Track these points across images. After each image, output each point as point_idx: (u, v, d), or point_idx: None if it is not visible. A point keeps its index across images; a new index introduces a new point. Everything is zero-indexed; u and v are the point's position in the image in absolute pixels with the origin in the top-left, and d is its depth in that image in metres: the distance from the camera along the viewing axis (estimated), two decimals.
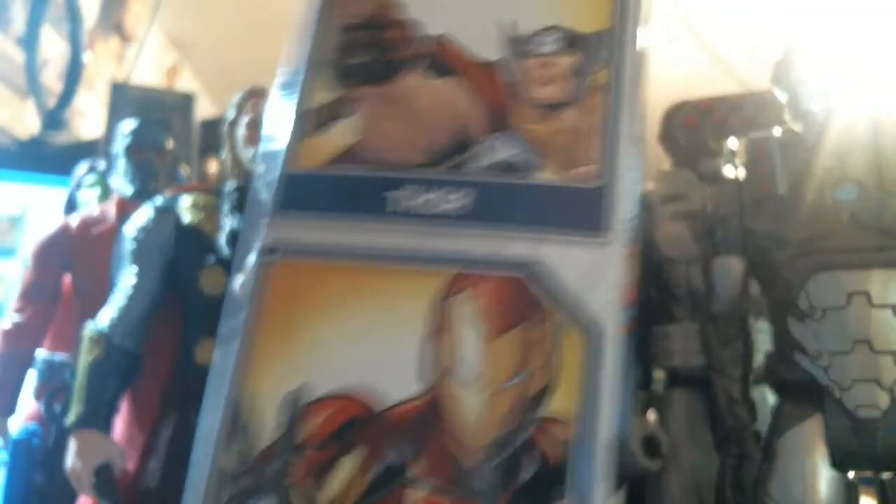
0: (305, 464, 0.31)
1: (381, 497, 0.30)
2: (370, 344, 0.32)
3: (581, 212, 0.28)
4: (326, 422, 0.31)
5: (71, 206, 2.41)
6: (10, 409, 2.01)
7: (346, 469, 0.30)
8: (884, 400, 1.27)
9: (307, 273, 0.31)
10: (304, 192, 0.30)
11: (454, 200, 0.29)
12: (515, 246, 0.27)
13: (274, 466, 0.31)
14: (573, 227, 0.27)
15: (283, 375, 0.32)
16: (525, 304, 0.30)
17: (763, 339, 1.54)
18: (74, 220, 2.14)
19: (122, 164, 2.10)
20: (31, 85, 3.51)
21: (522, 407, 0.30)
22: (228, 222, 1.54)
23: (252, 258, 0.30)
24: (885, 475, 1.30)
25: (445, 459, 0.29)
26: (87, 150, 2.81)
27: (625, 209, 0.28)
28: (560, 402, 0.31)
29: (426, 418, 0.30)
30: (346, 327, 0.33)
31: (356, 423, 0.31)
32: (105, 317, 1.54)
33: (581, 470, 0.29)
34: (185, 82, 4.75)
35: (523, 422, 0.30)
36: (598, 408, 0.30)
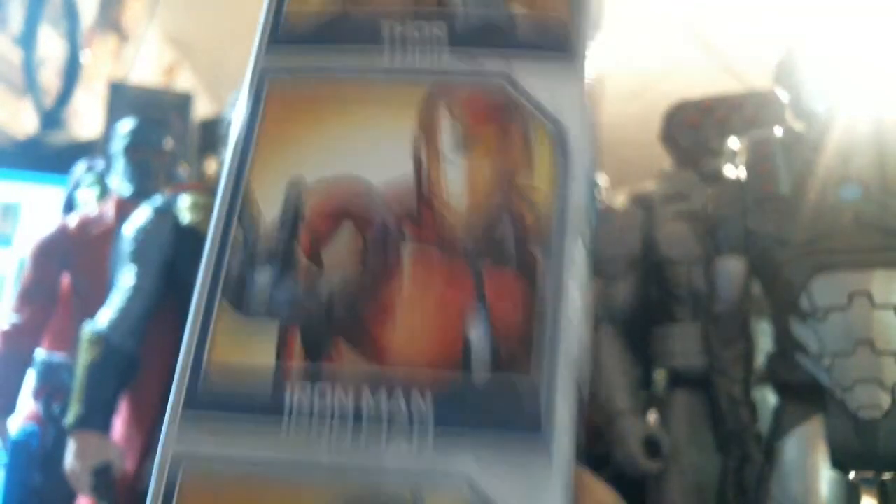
0: (308, 231, 0.31)
1: (379, 252, 0.30)
2: (364, 142, 0.34)
3: (550, 38, 0.29)
4: (327, 197, 0.32)
5: (69, 205, 2.40)
6: (10, 409, 2.00)
7: (345, 233, 0.31)
8: (885, 401, 1.27)
9: (301, 93, 0.32)
10: (295, 28, 0.31)
11: (432, 30, 0.30)
12: (491, 62, 0.29)
13: (279, 236, 0.31)
14: (543, 49, 0.29)
15: (283, 172, 0.33)
16: (501, 103, 0.32)
17: (764, 339, 1.54)
18: (73, 220, 2.14)
19: (120, 163, 2.09)
20: (29, 84, 3.50)
21: (502, 178, 0.32)
22: None
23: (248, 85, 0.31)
24: (886, 476, 1.30)
25: (434, 224, 0.30)
26: (86, 149, 2.80)
27: (587, 40, 0.30)
28: (537, 178, 0.32)
29: (416, 191, 0.31)
30: (341, 132, 0.34)
31: (354, 197, 0.32)
32: (104, 317, 1.53)
33: (556, 234, 0.30)
34: (184, 81, 4.74)
35: (503, 190, 0.31)
36: (568, 188, 0.31)
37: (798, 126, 1.50)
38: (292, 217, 0.33)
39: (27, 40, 3.50)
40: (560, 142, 0.30)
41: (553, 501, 0.26)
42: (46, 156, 3.11)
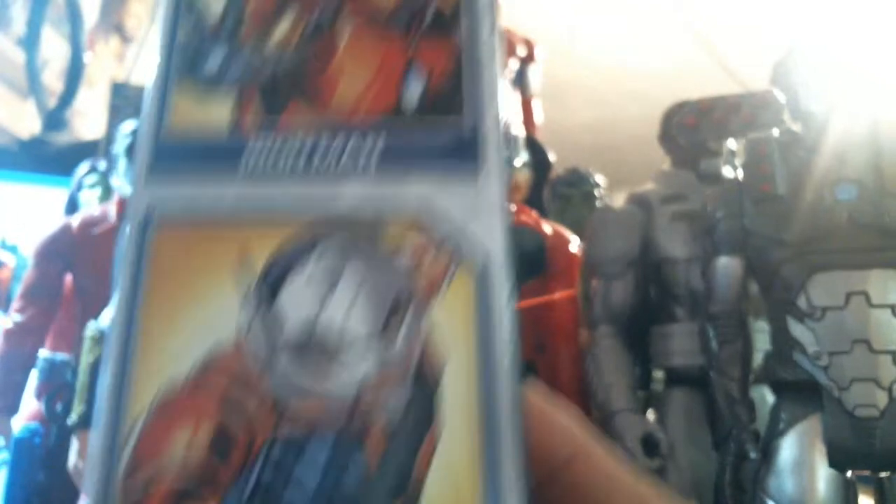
0: (255, 7, 0.33)
1: (319, 34, 0.32)
2: None
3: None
4: None
5: (72, 206, 2.42)
6: (13, 409, 2.01)
7: (290, 14, 0.33)
8: (882, 399, 1.28)
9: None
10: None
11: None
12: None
13: (225, 25, 0.32)
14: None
15: None
16: None
17: (762, 338, 1.54)
18: (75, 221, 2.15)
19: (122, 164, 2.10)
20: (32, 85, 3.52)
21: None
22: None
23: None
24: (883, 474, 1.31)
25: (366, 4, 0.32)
26: (88, 150, 2.82)
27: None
28: None
29: None
30: None
31: None
32: (107, 317, 1.55)
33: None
34: None
35: None
36: None
37: (795, 127, 1.51)
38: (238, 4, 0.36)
39: (30, 42, 3.52)
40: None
41: (495, 213, 0.30)
42: (49, 156, 3.13)
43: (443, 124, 0.31)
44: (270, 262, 0.29)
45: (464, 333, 0.28)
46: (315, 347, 0.27)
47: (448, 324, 0.28)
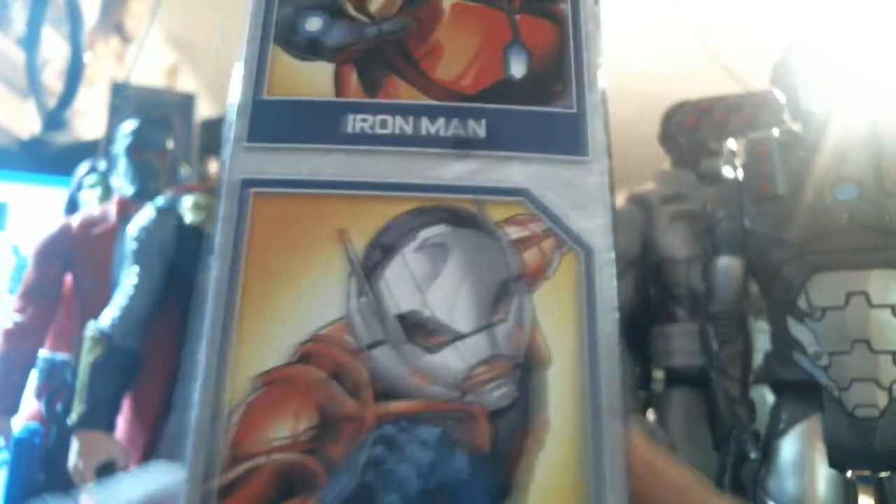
0: None
1: (422, 1, 0.32)
2: None
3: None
4: None
5: (72, 206, 2.41)
6: (13, 409, 2.01)
7: None
8: (882, 399, 1.28)
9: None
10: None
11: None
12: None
13: None
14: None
15: None
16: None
17: (762, 338, 1.54)
18: (75, 221, 2.15)
19: (122, 164, 2.10)
20: (32, 85, 3.51)
21: None
22: None
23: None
24: (883, 474, 1.31)
25: None
26: (88, 150, 2.81)
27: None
28: None
29: None
30: None
31: None
32: (107, 317, 1.55)
33: None
34: (186, 82, 4.75)
35: None
36: None
37: (795, 127, 1.51)
38: None
39: (30, 42, 3.52)
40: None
41: (599, 210, 0.29)
42: (49, 156, 3.13)
43: (548, 103, 0.30)
44: (374, 242, 0.28)
45: (570, 322, 0.27)
46: (423, 332, 0.27)
47: (554, 312, 0.27)
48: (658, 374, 1.84)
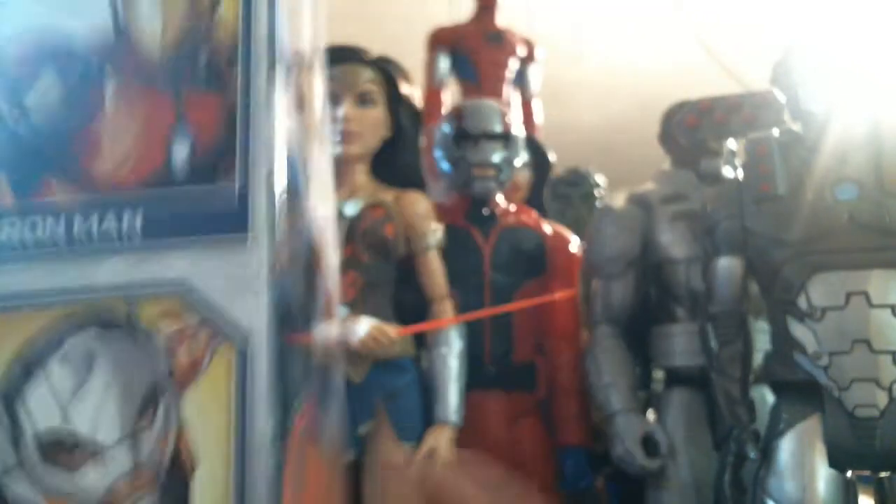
0: (7, 79, 0.31)
1: (82, 94, 0.31)
2: None
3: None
4: (23, 45, 0.32)
5: None
6: None
7: (47, 79, 0.31)
8: (882, 399, 1.28)
9: None
10: None
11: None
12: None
13: None
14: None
15: None
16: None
17: (762, 338, 1.54)
18: None
19: None
20: None
21: (194, 6, 0.31)
22: None
23: None
24: (883, 474, 1.31)
25: (133, 58, 0.31)
26: None
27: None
28: (224, 5, 0.31)
29: (114, 28, 0.31)
30: None
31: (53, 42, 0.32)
32: None
33: (244, 55, 0.31)
34: None
35: (195, 17, 0.31)
36: (252, 18, 0.32)
37: (795, 127, 1.51)
38: None
39: None
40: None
41: (260, 287, 0.29)
42: None
43: (211, 181, 0.28)
44: (15, 359, 0.27)
45: (221, 421, 0.26)
46: (63, 451, 0.26)
47: (206, 411, 0.26)
48: (658, 374, 1.84)
